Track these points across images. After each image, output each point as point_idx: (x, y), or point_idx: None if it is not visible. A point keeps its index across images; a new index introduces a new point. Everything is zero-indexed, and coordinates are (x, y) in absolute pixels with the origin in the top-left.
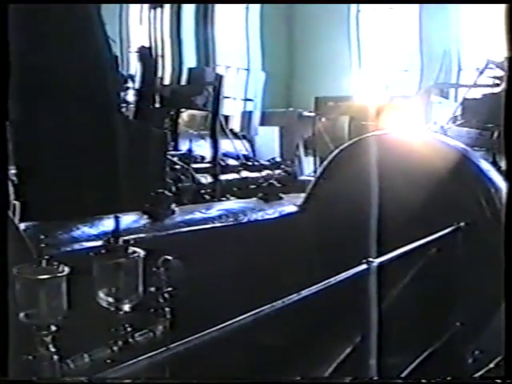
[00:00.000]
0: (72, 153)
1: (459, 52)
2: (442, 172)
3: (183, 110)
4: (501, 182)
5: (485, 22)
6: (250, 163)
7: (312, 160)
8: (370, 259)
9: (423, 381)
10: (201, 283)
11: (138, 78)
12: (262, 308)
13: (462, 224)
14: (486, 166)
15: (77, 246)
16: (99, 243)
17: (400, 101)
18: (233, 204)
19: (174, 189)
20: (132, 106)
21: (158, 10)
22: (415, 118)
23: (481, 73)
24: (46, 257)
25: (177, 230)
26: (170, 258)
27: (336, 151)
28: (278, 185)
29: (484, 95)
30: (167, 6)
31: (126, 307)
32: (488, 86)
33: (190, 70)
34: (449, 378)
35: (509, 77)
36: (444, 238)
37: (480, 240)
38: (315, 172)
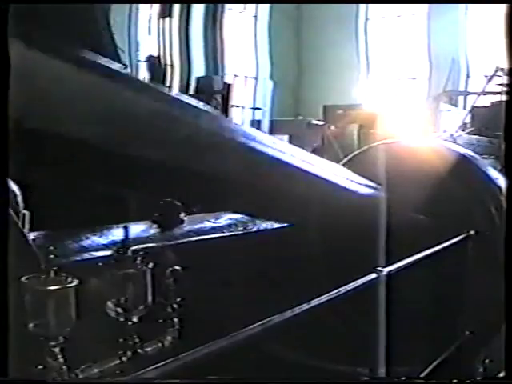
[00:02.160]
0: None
1: (467, 59)
2: (451, 180)
3: None
4: None
5: (493, 29)
6: None
7: None
8: (379, 268)
9: (421, 381)
10: (209, 292)
11: None
12: (272, 317)
13: (472, 232)
14: (494, 173)
15: (86, 256)
16: (108, 253)
17: (409, 109)
18: None
19: None
20: None
21: (167, 19)
22: (424, 126)
23: (489, 80)
24: (55, 267)
25: (186, 240)
26: (178, 268)
27: (345, 159)
28: None
29: (493, 103)
30: (176, 15)
31: (135, 317)
32: (497, 93)
33: (198, 78)
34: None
35: (509, 85)
36: (454, 247)
37: (489, 248)
38: None
